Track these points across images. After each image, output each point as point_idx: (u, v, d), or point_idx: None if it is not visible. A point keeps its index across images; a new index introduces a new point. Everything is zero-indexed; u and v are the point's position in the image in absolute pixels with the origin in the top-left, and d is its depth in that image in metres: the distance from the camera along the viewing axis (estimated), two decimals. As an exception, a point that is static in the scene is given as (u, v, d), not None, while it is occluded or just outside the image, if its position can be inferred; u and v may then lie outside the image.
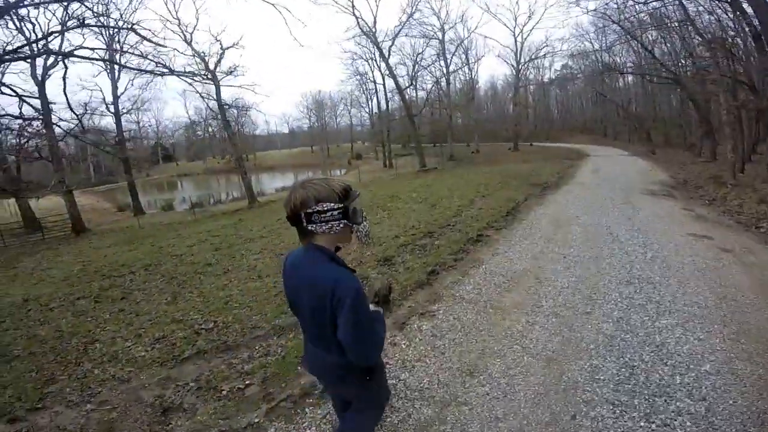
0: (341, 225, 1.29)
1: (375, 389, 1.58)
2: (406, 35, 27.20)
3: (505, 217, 6.82)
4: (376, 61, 29.24)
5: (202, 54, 18.26)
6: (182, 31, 17.94)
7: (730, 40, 10.65)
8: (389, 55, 26.28)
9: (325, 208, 1.24)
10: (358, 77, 35.10)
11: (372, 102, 36.15)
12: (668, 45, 19.80)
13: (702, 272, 3.96)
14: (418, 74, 30.62)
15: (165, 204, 26.48)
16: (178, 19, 18.45)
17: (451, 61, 31.54)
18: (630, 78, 32.31)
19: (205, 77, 17.68)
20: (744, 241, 4.97)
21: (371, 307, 1.45)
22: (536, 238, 5.50)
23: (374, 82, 33.54)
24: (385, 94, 32.18)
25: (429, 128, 37.11)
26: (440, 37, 29.23)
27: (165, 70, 11.53)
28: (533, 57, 34.37)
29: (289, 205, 1.26)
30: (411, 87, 31.13)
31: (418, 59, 29.24)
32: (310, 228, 1.26)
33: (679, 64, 19.24)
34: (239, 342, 3.34)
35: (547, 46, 32.59)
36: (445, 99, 32.93)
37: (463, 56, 34.40)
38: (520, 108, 37.31)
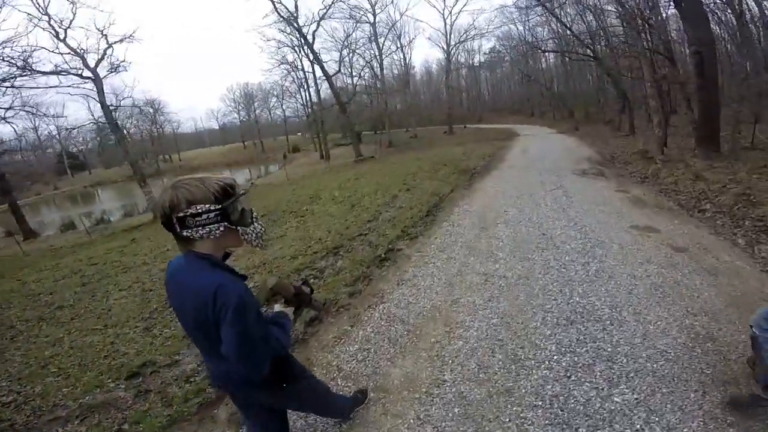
0: (221, 228, 1.15)
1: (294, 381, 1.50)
2: (333, 17, 25.12)
3: (425, 219, 5.59)
4: (303, 48, 26.63)
5: (81, 51, 14.93)
6: (53, 27, 14.43)
7: (647, 12, 10.31)
8: (314, 40, 24.14)
9: (200, 211, 1.10)
10: (286, 66, 32.09)
11: (306, 92, 33.37)
12: (585, 23, 20.07)
13: (660, 291, 2.95)
14: (352, 60, 28.89)
15: (63, 224, 22.32)
16: (48, 15, 14.69)
17: (383, 44, 30.14)
18: (551, 59, 33.65)
19: (81, 76, 14.58)
20: (694, 233, 4.15)
21: (278, 307, 1.46)
22: (456, 248, 4.30)
23: (302, 70, 30.87)
24: (315, 82, 29.83)
25: (367, 115, 35.63)
26: (371, 19, 27.58)
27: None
28: (462, 39, 34.23)
29: (159, 210, 1.12)
30: (346, 74, 29.29)
31: (347, 43, 27.30)
32: (185, 234, 1.12)
33: (595, 40, 19.54)
34: (31, 425, 2.46)
35: (474, 28, 32.53)
36: (379, 84, 31.45)
37: (397, 40, 33.28)
38: (453, 91, 37.41)
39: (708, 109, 8.24)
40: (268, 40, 29.10)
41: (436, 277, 3.66)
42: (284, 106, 48.52)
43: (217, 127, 66.78)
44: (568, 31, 19.43)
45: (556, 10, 18.75)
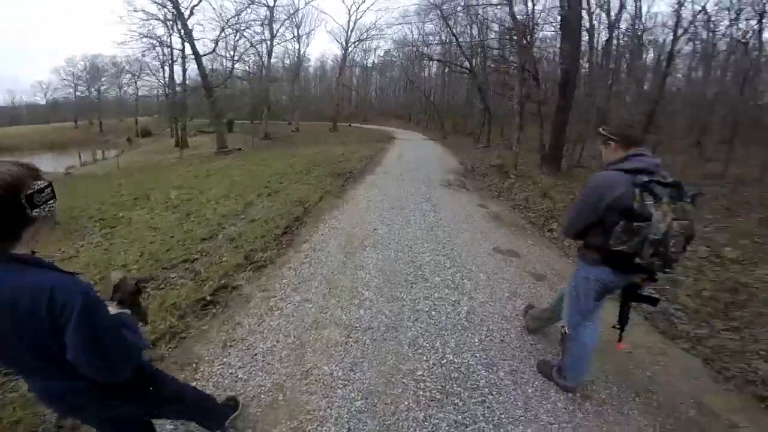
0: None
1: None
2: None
3: (280, 239, 4.60)
4: (177, 23, 21.74)
5: None
6: None
7: (528, 30, 11.26)
8: (191, 13, 20.25)
9: None
10: (152, 40, 25.89)
11: (170, 68, 27.63)
12: (470, 36, 21.68)
13: (531, 337, 2.69)
14: (237, 42, 25.17)
15: None
16: None
17: (278, 31, 27.35)
18: (435, 69, 36.03)
19: None
20: (548, 256, 4.24)
21: (111, 309, 1.22)
22: (314, 285, 3.43)
23: (170, 46, 25.41)
24: (183, 61, 25.02)
25: (243, 103, 31.97)
26: (270, 2, 24.58)
27: None
28: (362, 38, 33.91)
29: None
30: (227, 57, 25.34)
31: (235, 22, 23.60)
32: None
33: (475, 54, 21.28)
34: None
35: (376, 28, 32.55)
36: (265, 72, 28.45)
37: (295, 29, 30.76)
38: (344, 89, 36.94)
39: (559, 129, 9.33)
40: (135, 10, 22.97)
41: (282, 332, 2.73)
42: (138, 84, 40.16)
43: (44, 103, 51.99)
44: (455, 42, 20.68)
45: (451, 20, 19.78)
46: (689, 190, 1.68)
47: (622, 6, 15.25)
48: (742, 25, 14.23)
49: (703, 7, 14.45)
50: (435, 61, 28.69)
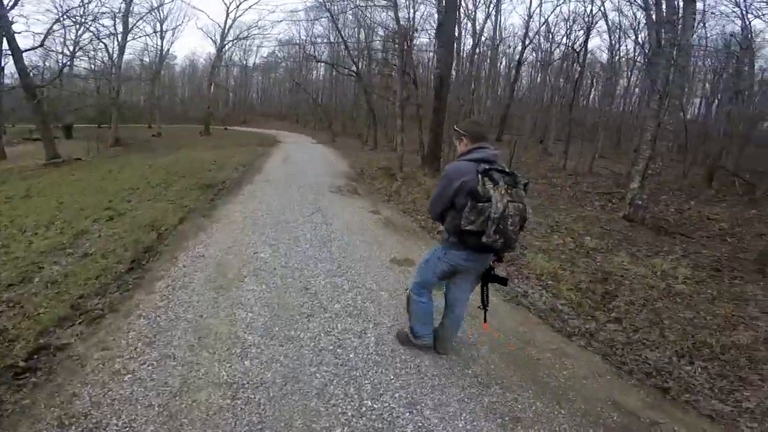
0: None
1: None
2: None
3: (126, 276, 3.44)
4: None
5: None
6: None
7: (410, 34, 11.32)
8: (16, 2, 15.05)
9: None
10: None
11: None
12: (358, 40, 21.58)
13: (444, 366, 2.38)
14: (80, 36, 19.81)
15: None
16: None
17: (134, 24, 22.59)
18: (323, 71, 35.37)
19: None
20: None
21: None
22: (174, 338, 2.50)
23: None
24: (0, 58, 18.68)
25: (85, 104, 25.81)
26: None
27: None
28: (241, 37, 30.65)
29: None
30: (66, 54, 19.72)
31: (79, 14, 18.43)
32: None
33: (361, 58, 21.29)
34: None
35: (258, 27, 29.72)
36: (116, 70, 23.25)
37: (158, 23, 25.95)
38: (220, 89, 33.43)
39: (436, 131, 9.66)
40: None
41: (140, 402, 1.90)
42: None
43: None
44: (343, 45, 20.26)
45: (340, 21, 19.26)
46: (521, 180, 1.98)
47: (488, 17, 17.11)
48: (573, 36, 17.34)
49: (546, 20, 17.15)
50: (323, 63, 28.16)
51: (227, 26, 28.43)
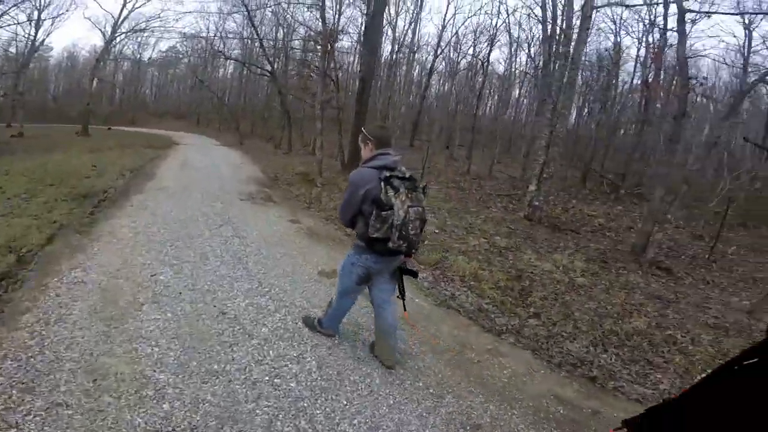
0: None
1: None
2: None
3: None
4: None
5: None
6: None
7: (334, 35, 10.82)
8: None
9: None
10: None
11: None
12: (275, 39, 20.17)
13: (401, 384, 2.23)
14: None
15: None
16: None
17: (4, 12, 17.60)
18: (231, 70, 32.89)
19: None
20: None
21: None
22: (60, 383, 1.88)
23: None
24: None
25: None
26: None
27: None
28: (139, 29, 26.09)
29: None
30: None
31: None
32: None
33: (277, 57, 20.06)
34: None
35: (159, 19, 25.57)
36: None
37: (35, 11, 20.71)
38: (105, 85, 28.49)
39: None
40: None
41: None
42: None
43: None
44: (258, 43, 18.71)
45: (257, 19, 17.76)
46: (420, 183, 2.08)
47: (409, 25, 17.68)
48: (478, 48, 18.92)
49: (456, 32, 18.41)
50: (233, 61, 26.05)
51: (122, 17, 24.50)
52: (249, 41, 22.49)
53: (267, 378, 2.20)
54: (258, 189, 8.17)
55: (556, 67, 8.01)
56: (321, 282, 3.63)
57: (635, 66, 17.20)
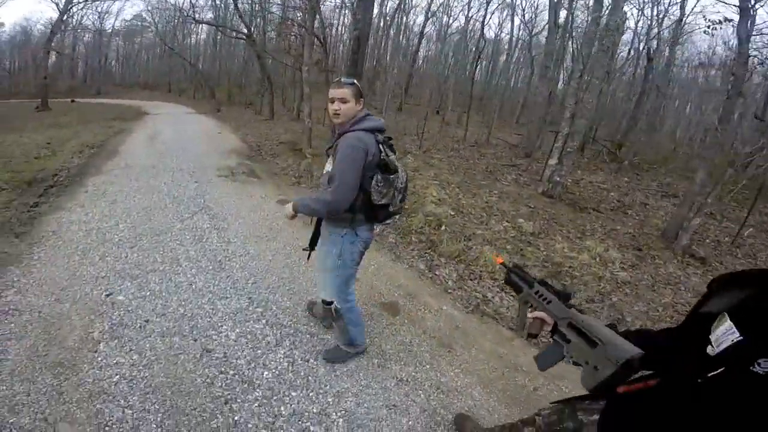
0: None
1: None
2: None
3: None
4: None
5: None
6: None
7: None
8: None
9: None
10: None
11: None
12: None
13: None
14: None
15: None
16: None
17: None
18: (203, 36, 30.96)
19: None
20: (377, 260, 3.27)
21: None
22: None
23: None
24: None
25: None
26: None
27: None
28: None
29: None
30: None
31: None
32: None
33: (254, 19, 18.13)
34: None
35: None
36: None
37: None
38: (62, 57, 25.79)
39: None
40: None
41: None
42: None
43: None
44: (233, 5, 16.70)
45: None
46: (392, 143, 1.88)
47: None
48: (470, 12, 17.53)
49: None
50: (206, 25, 23.65)
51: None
52: (221, 4, 20.31)
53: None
54: (239, 162, 7.21)
55: (596, 34, 7.13)
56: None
57: (633, 37, 16.64)
